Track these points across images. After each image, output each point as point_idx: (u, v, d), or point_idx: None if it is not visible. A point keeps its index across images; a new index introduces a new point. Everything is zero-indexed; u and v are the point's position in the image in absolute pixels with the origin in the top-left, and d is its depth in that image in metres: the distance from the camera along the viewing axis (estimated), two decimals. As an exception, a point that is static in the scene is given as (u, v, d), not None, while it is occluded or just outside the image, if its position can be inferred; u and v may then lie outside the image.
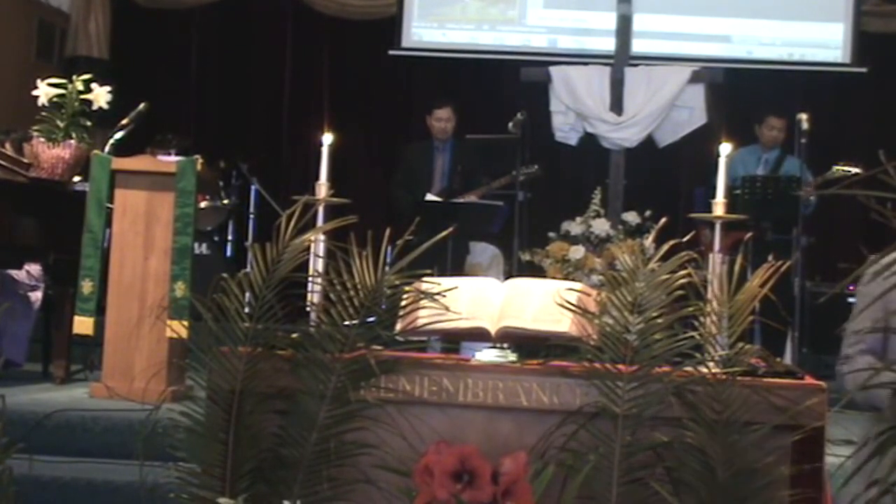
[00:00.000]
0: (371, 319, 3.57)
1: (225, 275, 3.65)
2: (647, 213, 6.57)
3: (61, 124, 5.74)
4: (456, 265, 6.78)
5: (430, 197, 7.42)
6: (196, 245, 5.88)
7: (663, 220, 4.00)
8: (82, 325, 5.34)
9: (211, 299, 3.56)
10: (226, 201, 8.55)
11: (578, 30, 8.60)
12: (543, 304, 3.51)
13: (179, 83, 9.89)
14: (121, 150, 5.81)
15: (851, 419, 3.53)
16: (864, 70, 8.55)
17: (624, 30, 7.52)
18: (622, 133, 7.34)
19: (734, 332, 3.35)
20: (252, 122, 9.96)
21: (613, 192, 7.21)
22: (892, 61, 8.75)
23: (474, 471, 3.17)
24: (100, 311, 5.40)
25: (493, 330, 3.55)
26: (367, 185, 8.92)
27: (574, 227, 6.95)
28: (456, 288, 3.60)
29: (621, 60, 7.44)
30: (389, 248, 3.68)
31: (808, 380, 3.31)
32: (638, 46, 7.72)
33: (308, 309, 3.90)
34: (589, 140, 7.53)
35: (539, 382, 3.42)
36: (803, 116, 6.91)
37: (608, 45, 7.70)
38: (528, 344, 3.62)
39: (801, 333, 6.79)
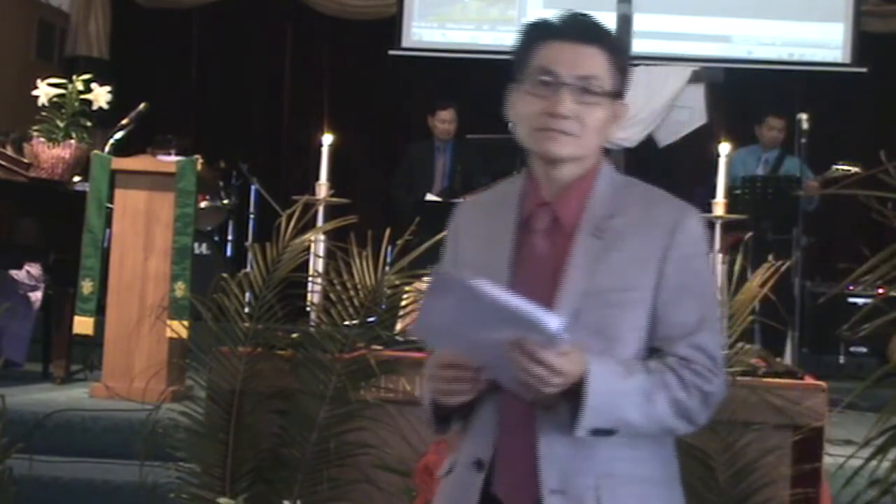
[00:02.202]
0: (371, 319, 3.57)
1: (225, 275, 3.65)
2: (647, 213, 6.56)
3: (61, 124, 5.75)
4: (456, 265, 6.77)
5: (430, 197, 7.42)
6: (196, 245, 5.88)
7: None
8: (82, 325, 5.35)
9: (211, 299, 3.56)
10: (226, 201, 8.55)
11: (578, 30, 8.59)
12: (543, 304, 3.50)
13: (179, 83, 9.89)
14: (121, 150, 5.81)
15: (852, 419, 3.53)
16: (864, 70, 8.54)
17: (624, 30, 7.52)
18: (622, 133, 7.33)
19: (734, 332, 3.35)
20: (252, 123, 9.96)
21: (613, 192, 7.19)
22: (892, 61, 8.75)
23: (474, 471, 3.16)
24: (100, 311, 5.40)
25: (493, 330, 3.54)
26: (367, 185, 8.91)
27: (574, 227, 6.94)
28: (456, 288, 3.60)
29: (621, 60, 7.43)
30: (389, 248, 3.68)
31: (808, 380, 3.31)
32: (638, 46, 7.72)
33: (308, 309, 3.90)
34: (589, 140, 7.51)
35: (539, 382, 3.42)
36: (803, 116, 6.91)
37: (608, 45, 7.69)
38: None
39: (801, 333, 6.79)
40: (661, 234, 1.94)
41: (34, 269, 6.07)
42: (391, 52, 9.04)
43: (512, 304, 1.76)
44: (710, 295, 2.01)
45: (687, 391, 1.88)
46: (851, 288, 6.66)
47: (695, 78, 7.44)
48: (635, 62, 7.51)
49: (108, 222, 5.39)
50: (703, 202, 5.44)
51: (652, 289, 1.91)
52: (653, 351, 1.92)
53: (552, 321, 1.76)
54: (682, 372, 1.88)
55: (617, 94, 1.98)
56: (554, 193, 1.98)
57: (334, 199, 5.40)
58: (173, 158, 5.75)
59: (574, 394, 1.81)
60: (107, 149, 5.79)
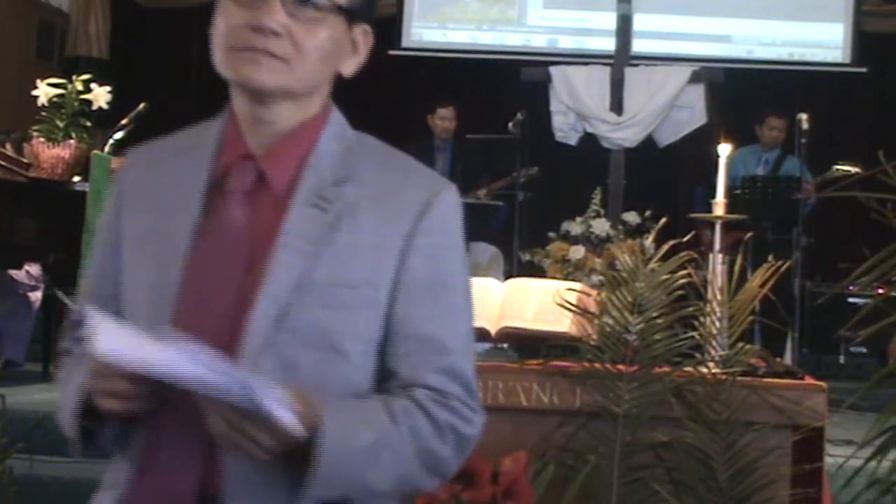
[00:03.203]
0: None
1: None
2: (647, 213, 6.57)
3: (61, 124, 5.75)
4: (456, 265, 6.77)
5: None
6: (196, 245, 5.88)
7: (663, 220, 4.01)
8: (82, 325, 5.34)
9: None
10: (226, 201, 8.56)
11: (578, 30, 8.60)
12: (543, 304, 3.50)
13: (179, 83, 9.89)
14: (121, 150, 5.81)
15: (852, 419, 3.53)
16: (864, 70, 8.55)
17: (624, 30, 7.52)
18: (622, 133, 7.34)
19: (734, 332, 3.35)
20: (252, 122, 9.97)
21: (613, 192, 7.20)
22: (892, 61, 8.76)
23: (474, 471, 3.16)
24: (100, 311, 5.40)
25: (493, 330, 3.54)
26: (366, 185, 8.90)
27: (574, 227, 6.95)
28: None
29: (621, 60, 7.44)
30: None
31: (808, 380, 3.31)
32: (638, 46, 7.72)
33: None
34: (589, 140, 7.52)
35: (539, 382, 3.42)
36: (803, 116, 6.91)
37: (608, 45, 7.70)
38: (528, 344, 3.62)
39: (801, 333, 6.79)
40: (406, 213, 1.46)
41: (34, 269, 6.07)
42: (391, 52, 9.03)
43: (231, 388, 1.24)
44: (466, 299, 1.48)
45: (442, 438, 1.40)
46: (851, 288, 6.66)
47: (695, 78, 7.42)
48: (635, 62, 7.53)
49: (108, 222, 5.39)
50: (703, 202, 5.44)
51: (389, 287, 1.42)
52: (389, 374, 1.43)
53: (286, 417, 1.27)
54: (435, 412, 1.40)
55: (353, 12, 1.45)
56: (262, 144, 1.46)
57: (334, 199, 5.40)
58: (173, 158, 5.75)
59: (297, 452, 1.32)
60: (107, 149, 5.79)
